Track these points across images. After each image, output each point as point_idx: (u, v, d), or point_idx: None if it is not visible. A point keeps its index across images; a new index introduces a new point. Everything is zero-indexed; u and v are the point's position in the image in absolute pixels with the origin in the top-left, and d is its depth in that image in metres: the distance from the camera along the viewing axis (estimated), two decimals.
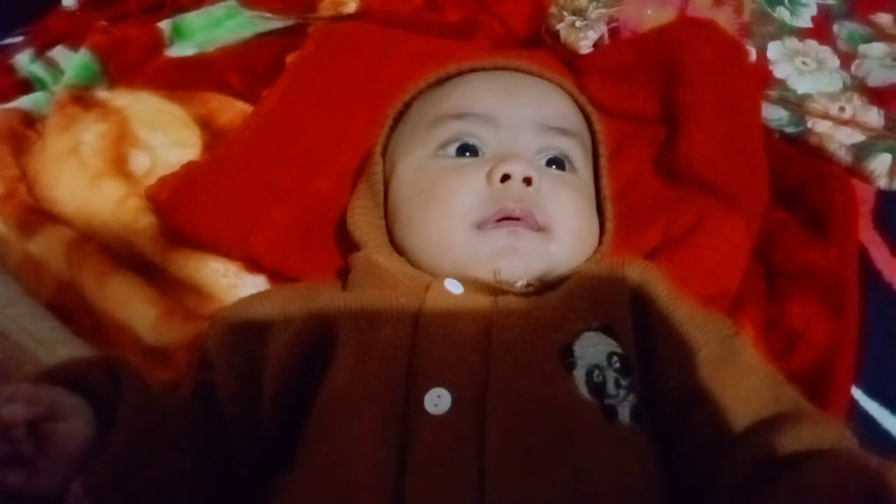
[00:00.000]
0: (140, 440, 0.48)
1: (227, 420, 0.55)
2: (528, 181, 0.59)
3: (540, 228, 0.60)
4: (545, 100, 0.68)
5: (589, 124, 0.70)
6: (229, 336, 0.58)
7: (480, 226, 0.59)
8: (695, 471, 0.51)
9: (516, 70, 0.70)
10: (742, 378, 0.52)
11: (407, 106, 0.70)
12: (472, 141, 0.63)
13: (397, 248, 0.65)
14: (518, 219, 0.59)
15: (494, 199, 0.59)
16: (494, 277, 0.57)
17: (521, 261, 0.58)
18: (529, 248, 0.59)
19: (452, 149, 0.64)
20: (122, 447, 0.47)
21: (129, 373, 0.51)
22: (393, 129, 0.70)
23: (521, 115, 0.64)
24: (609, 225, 0.66)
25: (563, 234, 0.60)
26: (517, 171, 0.59)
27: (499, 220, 0.59)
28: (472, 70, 0.69)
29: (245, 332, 0.58)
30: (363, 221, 0.66)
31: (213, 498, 0.55)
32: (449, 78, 0.69)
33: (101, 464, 0.47)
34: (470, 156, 0.63)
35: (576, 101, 0.71)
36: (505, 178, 0.59)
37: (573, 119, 0.68)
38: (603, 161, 0.69)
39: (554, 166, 0.65)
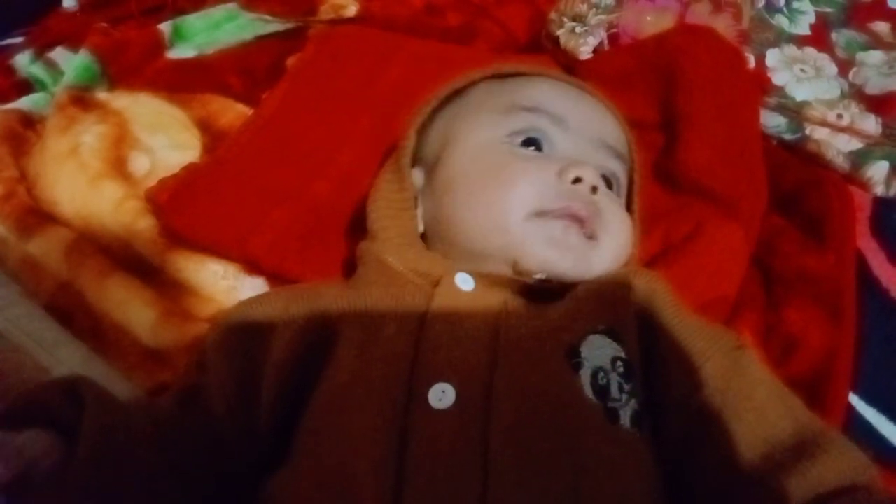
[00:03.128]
0: (104, 454, 0.47)
1: (222, 422, 0.55)
2: (594, 189, 0.60)
3: (590, 237, 0.60)
4: (605, 119, 0.69)
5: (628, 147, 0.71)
6: (229, 338, 0.58)
7: (541, 214, 0.59)
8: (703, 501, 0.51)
9: (578, 87, 0.71)
10: (754, 389, 0.52)
11: (456, 92, 0.70)
12: (538, 136, 0.64)
13: (431, 222, 0.64)
14: (581, 220, 0.59)
15: (563, 194, 0.59)
16: (514, 268, 0.57)
17: (571, 257, 0.59)
18: (579, 247, 0.59)
19: (519, 139, 0.64)
20: (85, 464, 0.46)
21: (90, 390, 0.50)
22: (437, 110, 0.69)
23: (587, 126, 0.65)
24: (634, 241, 0.66)
25: (608, 247, 0.61)
26: (589, 176, 0.60)
27: (561, 216, 0.59)
28: (539, 74, 0.71)
29: (245, 333, 0.57)
30: (384, 204, 0.65)
31: (208, 500, 0.55)
32: (515, 75, 0.70)
33: (66, 481, 0.46)
34: (533, 150, 0.63)
35: (620, 126, 0.71)
36: (577, 180, 0.60)
37: (623, 144, 0.69)
38: (637, 179, 0.69)
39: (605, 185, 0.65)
